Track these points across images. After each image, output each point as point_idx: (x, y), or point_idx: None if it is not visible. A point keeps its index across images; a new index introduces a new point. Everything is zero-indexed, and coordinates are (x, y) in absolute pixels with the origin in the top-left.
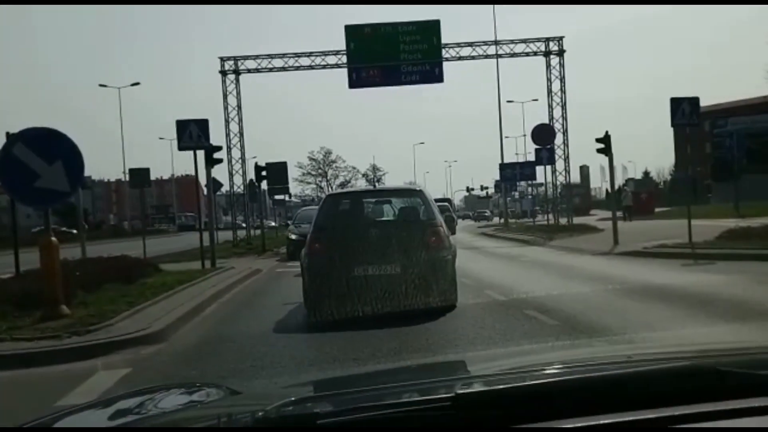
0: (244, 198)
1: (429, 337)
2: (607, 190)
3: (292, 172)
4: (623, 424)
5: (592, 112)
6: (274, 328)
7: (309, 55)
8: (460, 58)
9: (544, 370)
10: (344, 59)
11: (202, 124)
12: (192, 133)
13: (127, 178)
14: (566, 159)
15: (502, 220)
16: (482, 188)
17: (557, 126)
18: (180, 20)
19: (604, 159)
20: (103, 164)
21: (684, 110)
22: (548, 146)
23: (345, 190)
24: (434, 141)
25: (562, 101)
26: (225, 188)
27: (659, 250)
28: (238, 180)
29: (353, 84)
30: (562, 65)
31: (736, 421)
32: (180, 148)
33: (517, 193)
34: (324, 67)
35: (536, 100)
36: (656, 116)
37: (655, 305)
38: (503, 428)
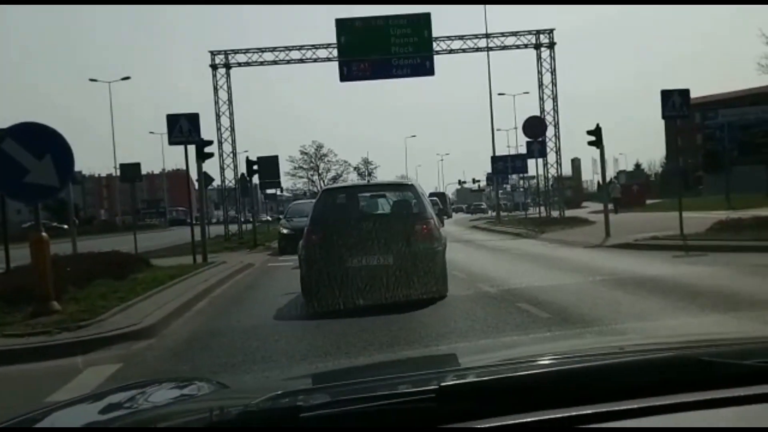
0: (236, 192)
1: (422, 330)
2: (598, 183)
3: (284, 166)
4: (605, 415)
5: (584, 104)
6: (266, 323)
7: (300, 48)
8: (451, 51)
9: (531, 361)
10: (335, 53)
11: (193, 119)
12: (182, 128)
13: (118, 173)
14: (557, 151)
15: (494, 213)
16: (474, 181)
17: (548, 119)
18: (170, 14)
19: (596, 151)
20: (93, 159)
21: (674, 102)
22: (540, 139)
23: (340, 184)
24: (426, 134)
25: (553, 94)
26: (216, 183)
27: (651, 242)
28: (229, 174)
29: (344, 77)
30: (552, 58)
31: (718, 411)
32: (170, 143)
33: (509, 186)
34: (315, 60)
35: (527, 92)
36: (647, 108)
37: (647, 297)
38: (486, 419)
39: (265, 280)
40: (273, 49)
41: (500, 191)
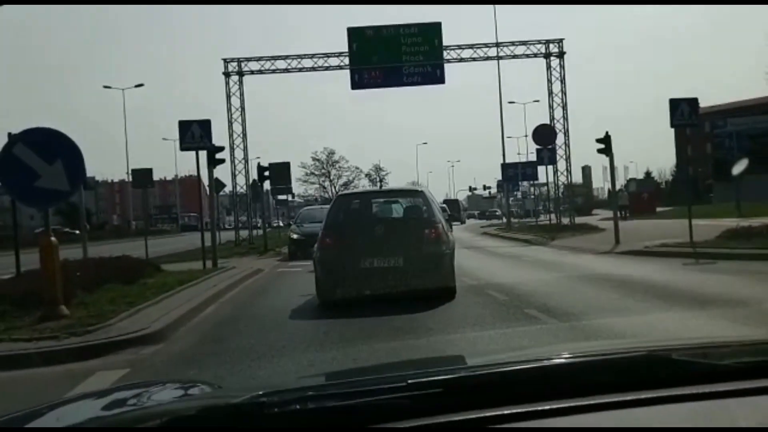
0: (247, 198)
1: (430, 336)
2: (609, 190)
3: (296, 173)
4: (571, 409)
5: (594, 111)
6: (274, 329)
7: (312, 56)
8: (462, 60)
9: (513, 360)
10: (347, 61)
11: (205, 125)
12: (194, 134)
13: (130, 179)
14: (567, 159)
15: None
16: (485, 188)
17: (558, 126)
18: (184, 22)
19: (606, 159)
20: (106, 165)
21: (683, 111)
22: (549, 146)
23: (354, 190)
24: (437, 141)
25: (562, 102)
26: (228, 188)
27: (660, 249)
28: (241, 180)
29: (356, 85)
30: (562, 66)
31: (678, 406)
32: (182, 149)
33: (519, 193)
34: (327, 68)
35: (537, 101)
36: (658, 116)
37: (657, 304)
38: (452, 413)
39: (274, 286)
40: (285, 57)
41: (511, 198)
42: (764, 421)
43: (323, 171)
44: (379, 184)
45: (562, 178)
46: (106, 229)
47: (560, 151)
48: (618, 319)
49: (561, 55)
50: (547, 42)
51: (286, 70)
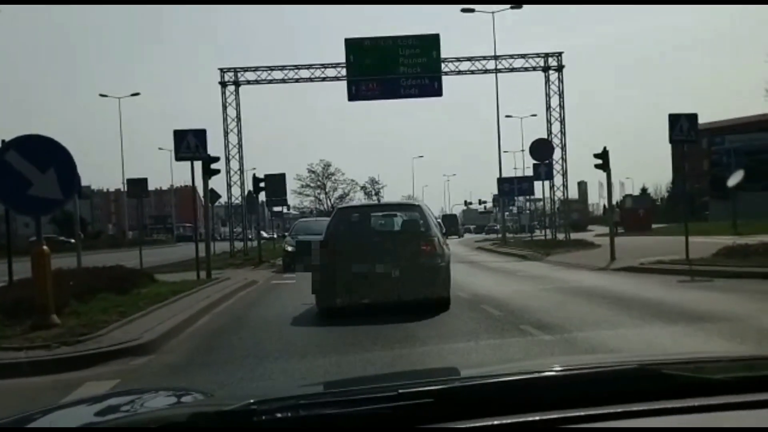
0: (242, 209)
1: (423, 351)
2: (604, 206)
3: (291, 184)
4: (559, 420)
5: (591, 127)
6: (266, 341)
7: (309, 67)
8: (459, 73)
9: (504, 372)
10: (344, 72)
11: (200, 135)
12: (189, 144)
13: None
14: (564, 174)
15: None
16: (480, 202)
17: (555, 141)
18: (180, 31)
19: (602, 175)
20: (102, 174)
21: (682, 126)
22: (546, 161)
23: (353, 203)
24: (433, 154)
25: (560, 116)
26: (224, 199)
27: (656, 266)
28: (236, 191)
29: (352, 97)
30: (561, 80)
31: (666, 418)
32: (177, 159)
33: (515, 208)
34: (323, 79)
35: (535, 115)
36: (654, 132)
37: (653, 322)
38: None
39: (267, 298)
40: (282, 68)
41: (506, 213)
42: None
43: (319, 183)
44: (374, 197)
45: (559, 194)
46: (101, 238)
47: (557, 166)
48: (613, 335)
49: (560, 68)
50: (546, 55)
51: (283, 81)
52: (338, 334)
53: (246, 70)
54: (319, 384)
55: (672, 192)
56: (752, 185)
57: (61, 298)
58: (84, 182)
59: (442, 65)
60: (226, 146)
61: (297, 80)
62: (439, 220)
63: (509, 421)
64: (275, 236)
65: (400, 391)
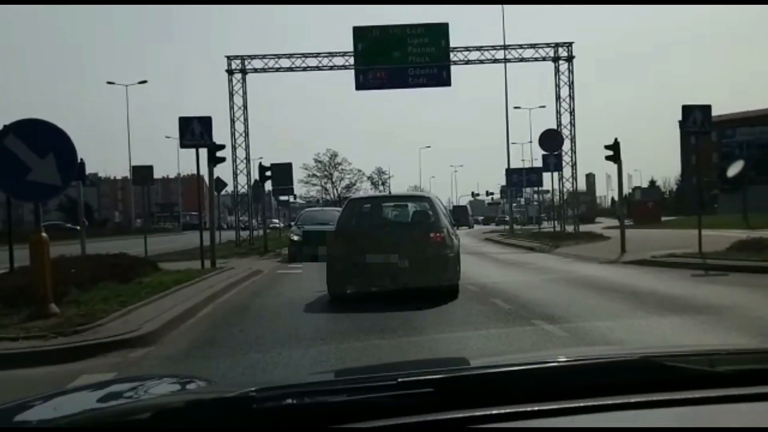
0: (248, 198)
1: (432, 346)
2: (612, 198)
3: (298, 174)
4: (566, 410)
5: (599, 119)
6: (270, 333)
7: (316, 55)
8: (468, 62)
9: (507, 362)
10: (351, 60)
11: (206, 122)
12: (195, 131)
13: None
14: (573, 165)
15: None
16: (488, 194)
17: (565, 132)
18: (188, 19)
19: (610, 167)
20: (110, 162)
21: (695, 118)
22: (556, 152)
23: (365, 195)
24: (440, 145)
25: (570, 107)
26: (230, 188)
27: (668, 259)
28: (242, 180)
29: (360, 86)
30: (571, 71)
31: (667, 410)
32: (182, 146)
33: (522, 200)
34: (331, 68)
35: (544, 106)
36: (663, 124)
37: (668, 318)
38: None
39: (272, 288)
40: (289, 56)
41: (514, 204)
42: (752, 427)
43: (325, 173)
44: (381, 187)
45: (567, 185)
46: (107, 226)
47: (566, 158)
48: (627, 330)
49: (570, 59)
50: (557, 45)
51: (290, 69)
52: (345, 326)
53: (253, 57)
54: (321, 373)
55: (681, 185)
56: (764, 178)
57: (63, 286)
58: (92, 170)
59: (451, 54)
60: (233, 134)
61: (304, 69)
62: (450, 211)
63: (509, 410)
64: (280, 225)
65: (400, 380)
